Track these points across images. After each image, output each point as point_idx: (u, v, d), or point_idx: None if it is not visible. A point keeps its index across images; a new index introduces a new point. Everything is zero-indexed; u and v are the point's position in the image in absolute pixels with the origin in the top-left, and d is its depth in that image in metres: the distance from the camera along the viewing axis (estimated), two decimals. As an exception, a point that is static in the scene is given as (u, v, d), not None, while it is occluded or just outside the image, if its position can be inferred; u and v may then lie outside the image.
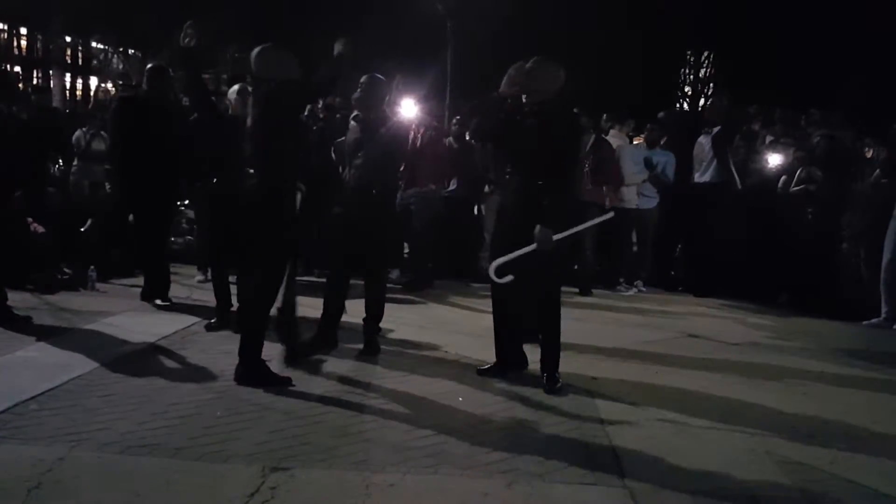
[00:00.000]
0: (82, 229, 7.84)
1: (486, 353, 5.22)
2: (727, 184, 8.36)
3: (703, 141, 8.68)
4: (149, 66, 6.82)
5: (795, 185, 8.12)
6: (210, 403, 4.26)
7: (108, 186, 7.99)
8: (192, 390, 4.46)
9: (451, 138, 8.61)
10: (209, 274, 7.53)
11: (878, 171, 7.53)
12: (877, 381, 5.44)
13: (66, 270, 7.26)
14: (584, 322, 6.66)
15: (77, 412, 4.02)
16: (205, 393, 4.43)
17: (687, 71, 36.90)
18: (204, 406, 4.21)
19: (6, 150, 5.83)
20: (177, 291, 7.02)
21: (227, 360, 5.09)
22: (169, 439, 3.73)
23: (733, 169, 8.40)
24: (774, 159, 8.60)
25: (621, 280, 8.62)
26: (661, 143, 8.92)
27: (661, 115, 9.60)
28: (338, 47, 4.87)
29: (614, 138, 8.66)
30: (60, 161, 8.52)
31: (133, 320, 6.02)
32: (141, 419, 3.96)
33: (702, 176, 8.56)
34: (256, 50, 4.75)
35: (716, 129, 8.59)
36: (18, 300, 6.31)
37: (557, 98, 4.89)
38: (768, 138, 9.28)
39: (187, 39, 5.09)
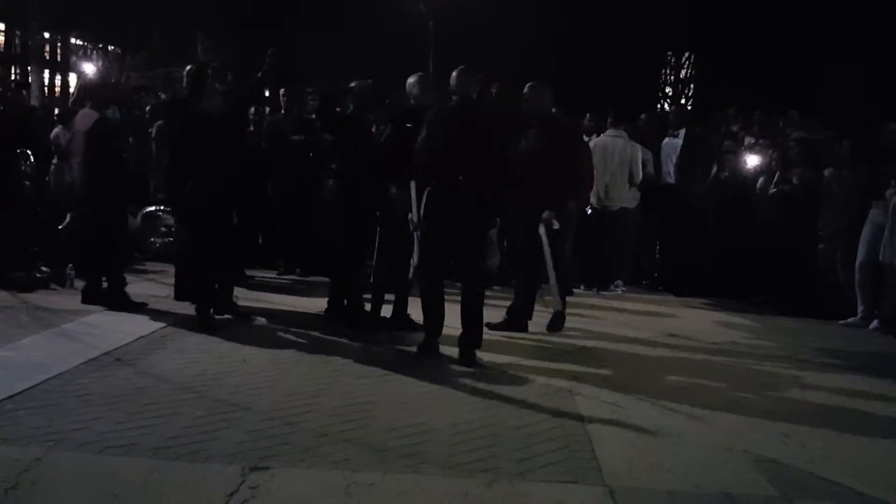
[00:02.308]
0: (60, 227, 7.76)
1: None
2: (689, 186, 8.55)
3: (668, 142, 8.87)
4: (190, 67, 6.68)
5: (775, 187, 8.19)
6: (189, 403, 4.24)
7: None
8: (171, 390, 4.44)
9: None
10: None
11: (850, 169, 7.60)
12: (853, 381, 5.49)
13: (44, 269, 7.19)
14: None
15: (54, 412, 3.99)
16: (183, 393, 4.40)
17: (668, 72, 37.17)
18: (182, 406, 4.19)
19: None
20: (156, 290, 6.98)
21: (206, 359, 5.08)
22: (147, 439, 3.70)
23: (702, 169, 8.59)
24: (752, 160, 8.69)
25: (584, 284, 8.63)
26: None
27: (643, 116, 9.67)
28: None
29: (615, 139, 8.49)
30: (31, 158, 8.39)
31: (111, 319, 5.97)
32: (119, 419, 3.94)
33: (669, 178, 8.78)
34: (458, 70, 5.55)
35: (681, 132, 8.79)
36: (-5, 299, 6.28)
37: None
38: (747, 140, 9.38)
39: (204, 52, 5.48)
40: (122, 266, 6.54)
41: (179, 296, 6.49)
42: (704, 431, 4.24)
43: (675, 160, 8.84)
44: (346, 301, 6.20)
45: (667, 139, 9.00)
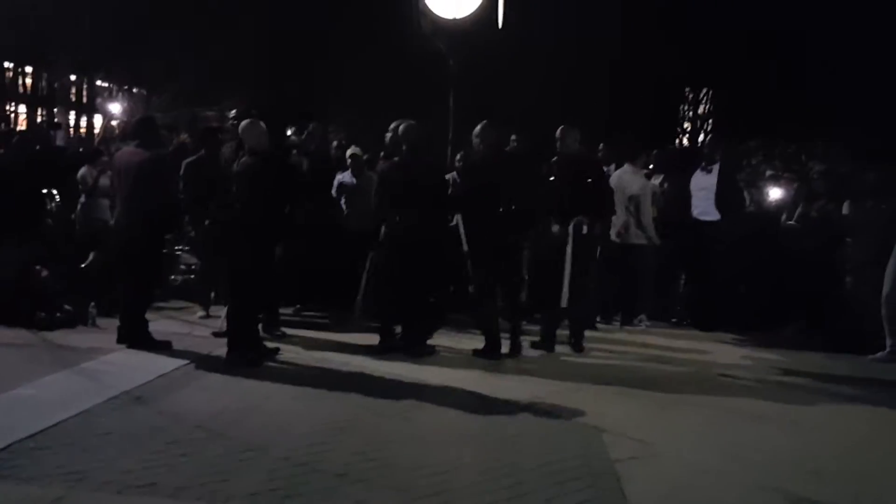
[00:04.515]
0: (83, 265, 7.81)
1: (492, 386, 5.16)
2: (729, 220, 8.40)
3: (699, 177, 8.73)
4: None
5: (796, 221, 8.10)
6: (210, 442, 4.20)
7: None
8: (191, 428, 4.40)
9: (454, 174, 8.52)
10: (210, 311, 7.52)
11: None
12: (884, 416, 5.37)
13: (67, 307, 7.20)
14: (588, 357, 6.60)
15: (75, 451, 3.96)
16: (204, 432, 4.35)
17: (686, 108, 37.35)
18: (204, 445, 4.15)
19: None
20: (177, 328, 6.98)
21: (227, 398, 5.05)
22: (168, 478, 3.66)
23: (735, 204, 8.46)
24: (775, 193, 8.62)
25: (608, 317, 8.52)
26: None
27: (654, 152, 9.61)
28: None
29: (630, 175, 8.38)
30: (57, 197, 8.46)
31: (132, 357, 5.96)
32: (140, 458, 3.90)
33: (701, 213, 8.59)
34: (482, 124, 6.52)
35: (715, 166, 8.64)
36: (15, 337, 6.30)
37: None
38: (768, 172, 9.31)
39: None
40: (145, 305, 6.52)
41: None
42: (735, 468, 4.13)
43: (704, 195, 8.65)
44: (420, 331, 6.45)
45: (698, 173, 8.82)
